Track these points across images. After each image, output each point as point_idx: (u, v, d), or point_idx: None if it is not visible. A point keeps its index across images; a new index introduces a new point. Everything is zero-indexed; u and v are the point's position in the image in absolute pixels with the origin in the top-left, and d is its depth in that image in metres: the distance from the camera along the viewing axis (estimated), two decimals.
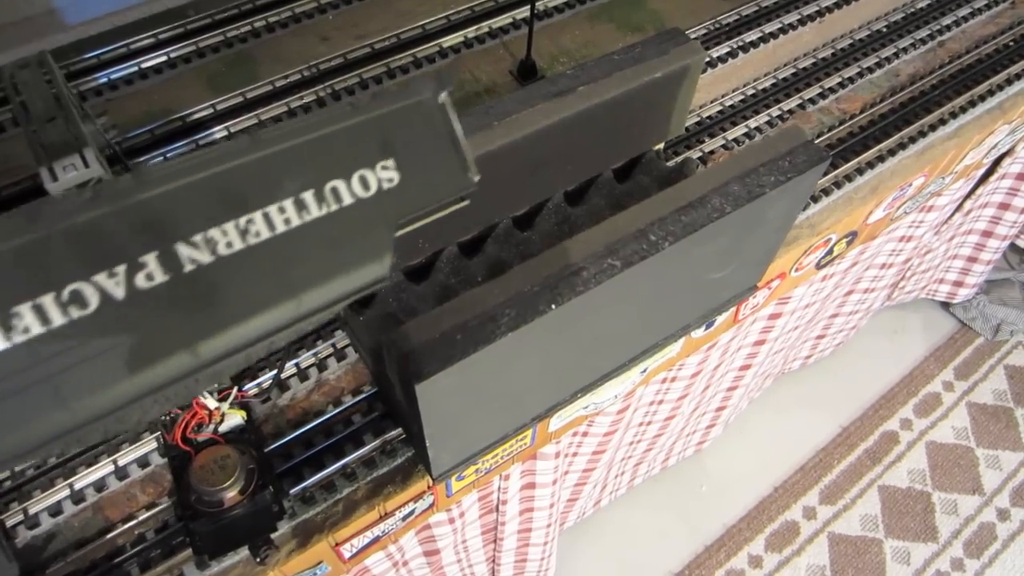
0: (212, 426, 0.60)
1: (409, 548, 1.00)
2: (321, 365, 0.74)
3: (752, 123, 0.94)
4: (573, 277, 0.52)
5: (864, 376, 1.95)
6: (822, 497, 1.76)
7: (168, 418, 0.61)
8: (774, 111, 0.96)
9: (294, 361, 0.73)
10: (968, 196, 1.58)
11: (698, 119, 0.95)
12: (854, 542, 1.71)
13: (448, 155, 0.35)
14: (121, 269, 0.24)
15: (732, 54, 1.04)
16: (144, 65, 0.97)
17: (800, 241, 0.85)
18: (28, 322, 0.22)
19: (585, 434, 1.12)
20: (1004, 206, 1.75)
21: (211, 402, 0.60)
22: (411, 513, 0.73)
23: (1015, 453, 1.84)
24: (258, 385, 0.70)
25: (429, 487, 0.71)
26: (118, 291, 0.24)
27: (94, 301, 0.23)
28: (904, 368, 1.98)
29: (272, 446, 0.67)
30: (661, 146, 0.77)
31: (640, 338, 0.69)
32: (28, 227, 0.23)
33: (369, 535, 0.70)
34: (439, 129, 0.34)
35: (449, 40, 1.04)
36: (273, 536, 0.64)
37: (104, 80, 0.94)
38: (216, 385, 0.61)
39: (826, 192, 0.89)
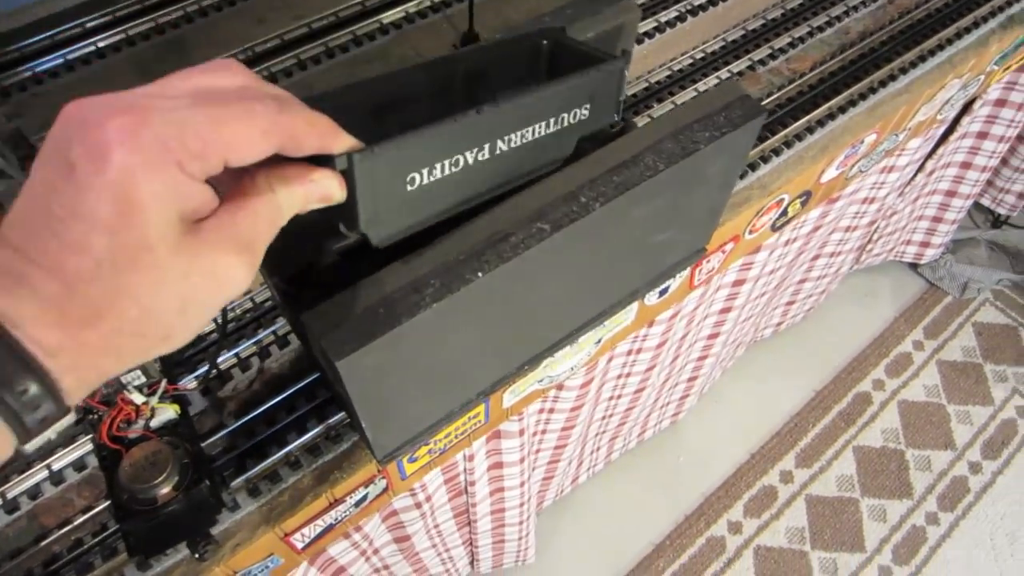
0: (142, 422, 0.58)
1: (377, 536, 0.99)
2: (263, 353, 0.72)
3: (701, 86, 0.92)
4: (500, 243, 0.50)
5: (836, 340, 1.96)
6: (798, 461, 1.77)
7: (96, 416, 0.59)
8: (723, 73, 0.94)
9: (234, 351, 0.71)
10: (929, 156, 1.58)
11: (646, 84, 0.93)
12: (831, 503, 1.72)
13: (611, 101, 0.52)
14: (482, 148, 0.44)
15: (681, 18, 1.02)
16: (71, 56, 0.93)
17: (752, 202, 0.84)
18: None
19: (552, 410, 1.11)
20: (966, 165, 1.75)
21: (137, 397, 0.57)
22: (364, 499, 0.72)
23: (985, 408, 1.86)
24: (196, 378, 0.68)
25: (379, 471, 0.69)
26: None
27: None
28: (875, 330, 1.99)
29: (211, 439, 0.65)
30: None
31: (585, 306, 0.67)
32: None
33: (321, 523, 0.68)
34: (613, 86, 0.51)
35: (390, 16, 1.02)
36: (215, 531, 0.62)
37: (28, 74, 0.91)
38: (144, 380, 0.59)
39: (776, 152, 0.88)
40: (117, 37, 0.96)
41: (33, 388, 0.27)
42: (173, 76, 0.31)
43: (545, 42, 0.58)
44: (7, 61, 0.91)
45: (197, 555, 0.58)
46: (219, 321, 0.70)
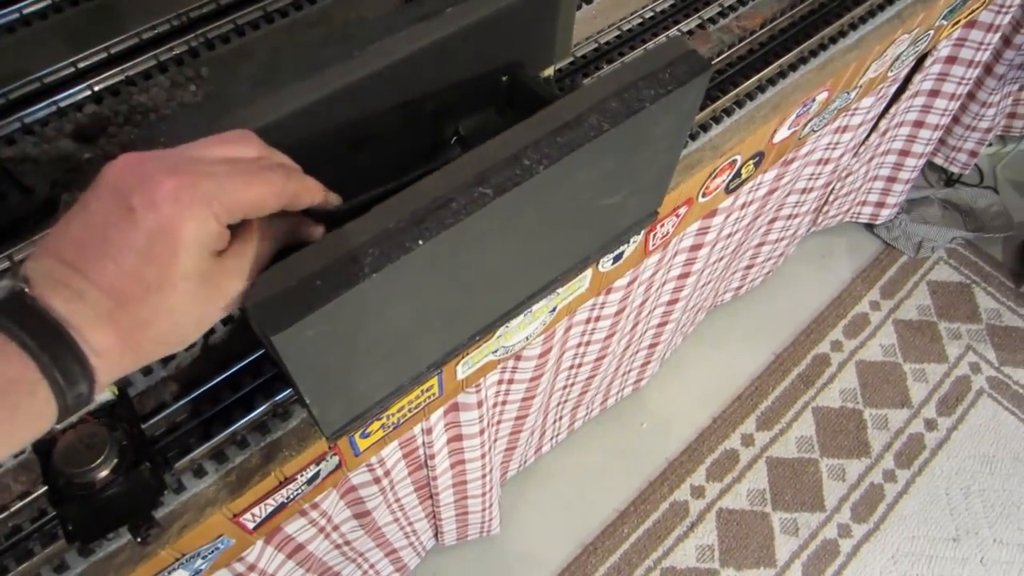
0: None
1: (336, 512, 0.97)
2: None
3: (651, 46, 0.91)
4: (441, 209, 0.48)
5: (794, 302, 1.99)
6: (759, 424, 1.80)
7: None
8: (673, 32, 0.93)
9: None
10: (883, 115, 1.59)
11: (595, 46, 0.91)
12: (791, 464, 1.75)
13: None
14: None
15: None
16: None
17: (704, 164, 0.83)
18: None
19: (511, 381, 1.10)
20: (919, 124, 1.77)
21: None
22: (316, 476, 0.70)
23: (940, 365, 1.90)
24: None
25: (331, 447, 0.68)
26: None
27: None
28: (832, 291, 2.01)
29: (152, 419, 0.63)
30: (551, 72, 0.73)
31: (536, 274, 0.66)
32: None
33: (272, 503, 0.67)
34: None
35: None
36: (159, 513, 0.60)
37: None
38: None
39: (727, 112, 0.87)
40: (43, 4, 0.91)
41: (80, 379, 0.35)
42: (207, 142, 0.41)
43: (504, 78, 0.64)
44: None
45: (139, 539, 0.56)
46: None
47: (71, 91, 0.85)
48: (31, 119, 0.83)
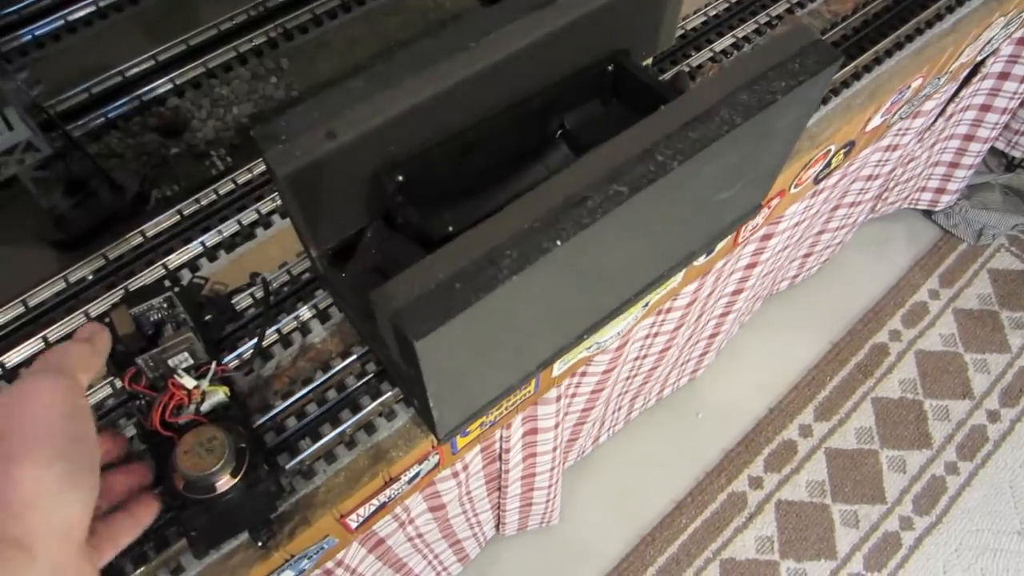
0: (193, 406, 0.55)
1: (414, 506, 0.97)
2: (304, 329, 0.68)
3: (740, 32, 0.88)
4: (577, 208, 0.47)
5: (851, 291, 1.94)
6: (817, 414, 1.77)
7: (143, 402, 0.56)
8: (762, 18, 0.90)
9: (274, 328, 0.68)
10: (951, 100, 1.54)
11: (682, 32, 0.88)
12: (851, 455, 1.72)
13: None
14: None
15: None
16: (71, 17, 0.87)
17: (801, 154, 0.81)
18: None
19: (584, 374, 1.08)
20: (986, 108, 1.71)
21: (188, 381, 0.54)
22: (417, 475, 0.69)
23: (1002, 355, 1.85)
24: (238, 356, 0.65)
25: (434, 447, 0.67)
26: None
27: None
28: (890, 279, 1.97)
29: (261, 421, 0.62)
30: (650, 61, 0.71)
31: (646, 270, 0.64)
32: None
33: (375, 503, 0.66)
34: None
35: None
36: (277, 511, 0.59)
37: (28, 38, 0.85)
38: (191, 362, 0.56)
39: (824, 100, 0.84)
40: None
41: None
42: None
43: (610, 67, 0.61)
44: (4, 25, 0.85)
45: (260, 543, 0.56)
46: (264, 294, 0.67)
47: (153, 85, 0.84)
48: (115, 114, 0.83)
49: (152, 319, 0.58)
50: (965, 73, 1.43)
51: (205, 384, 0.55)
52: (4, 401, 0.40)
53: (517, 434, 1.01)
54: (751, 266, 1.31)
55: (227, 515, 0.53)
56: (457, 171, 0.59)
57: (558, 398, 0.97)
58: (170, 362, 0.55)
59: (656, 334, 1.23)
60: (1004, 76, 1.62)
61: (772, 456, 1.72)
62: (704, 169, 0.53)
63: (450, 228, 0.53)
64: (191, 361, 0.56)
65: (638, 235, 0.56)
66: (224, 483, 0.53)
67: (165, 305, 0.58)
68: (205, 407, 0.56)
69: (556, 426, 1.05)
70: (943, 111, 1.56)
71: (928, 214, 2.06)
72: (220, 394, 0.57)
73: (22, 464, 0.37)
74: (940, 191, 1.94)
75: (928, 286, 1.96)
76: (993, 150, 2.07)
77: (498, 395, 0.60)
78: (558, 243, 0.46)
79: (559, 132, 0.64)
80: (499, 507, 1.33)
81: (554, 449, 1.14)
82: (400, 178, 0.54)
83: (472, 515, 1.26)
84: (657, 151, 0.50)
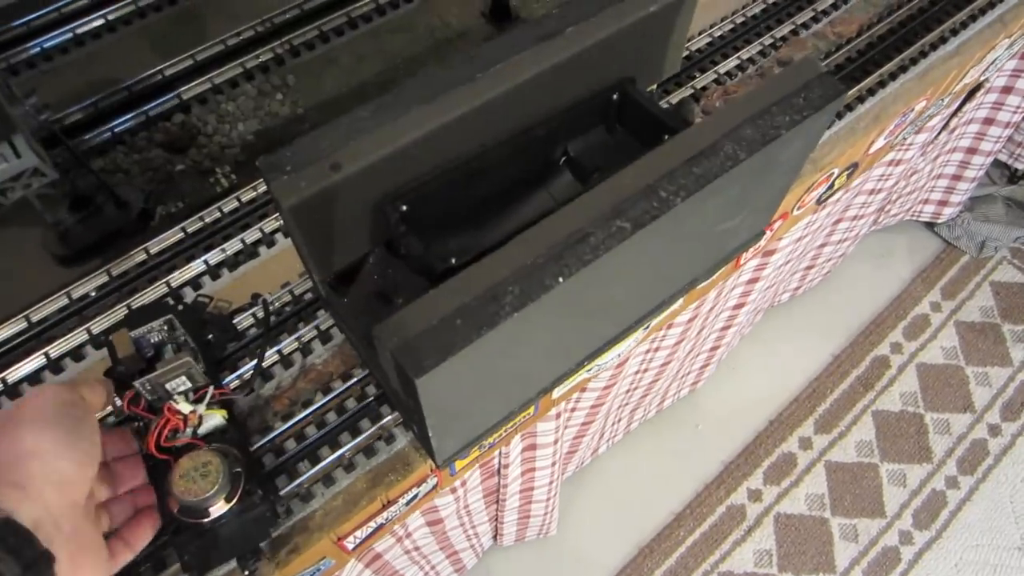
0: (190, 430, 0.55)
1: (412, 522, 0.97)
2: (305, 349, 0.69)
3: (744, 54, 0.88)
4: (580, 244, 0.47)
5: (852, 303, 1.94)
6: (817, 427, 1.77)
7: (140, 425, 0.56)
8: (766, 39, 0.90)
9: (276, 348, 0.68)
10: (954, 114, 1.54)
11: (687, 53, 0.88)
12: (851, 469, 1.72)
13: None
14: None
15: None
16: (80, 31, 0.88)
17: (804, 178, 0.81)
18: None
19: (583, 390, 1.08)
20: (988, 121, 1.71)
21: (184, 407, 0.54)
22: (415, 497, 0.69)
23: (1003, 369, 1.85)
24: (239, 377, 0.65)
25: (432, 470, 0.67)
26: None
27: None
28: (891, 292, 1.97)
29: (259, 443, 0.62)
30: (654, 87, 0.71)
31: (647, 298, 0.64)
32: None
33: (372, 525, 0.66)
34: None
35: None
36: (271, 537, 0.60)
37: (37, 50, 0.85)
38: (189, 385, 0.56)
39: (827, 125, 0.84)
40: (127, 9, 0.90)
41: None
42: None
43: (615, 95, 0.62)
44: (12, 38, 0.86)
45: (246, 572, 0.56)
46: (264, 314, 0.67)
47: (159, 100, 0.84)
48: (121, 128, 0.83)
49: (152, 341, 0.58)
50: (969, 89, 1.42)
51: (202, 408, 0.55)
52: (15, 402, 0.52)
53: (516, 450, 1.01)
54: (753, 281, 1.31)
55: (220, 540, 0.53)
56: (460, 199, 0.59)
57: (558, 415, 0.97)
58: (168, 386, 0.55)
59: (657, 349, 1.23)
60: (1007, 90, 1.62)
61: (772, 469, 1.72)
62: (707, 203, 0.53)
63: (452, 261, 0.53)
64: (189, 384, 0.56)
65: (641, 267, 0.56)
66: (218, 508, 0.53)
67: (166, 328, 0.59)
68: (203, 430, 0.56)
69: (555, 441, 1.05)
70: (946, 124, 1.56)
71: (931, 226, 2.05)
72: (218, 417, 0.57)
73: (24, 426, 0.44)
74: (943, 203, 1.94)
75: (930, 298, 1.96)
76: (996, 162, 2.07)
77: (497, 422, 0.60)
78: (560, 279, 0.46)
79: (563, 159, 0.64)
80: (497, 519, 1.33)
81: (553, 464, 1.14)
82: (403, 208, 0.54)
83: (470, 527, 1.26)
84: (660, 187, 0.50)
